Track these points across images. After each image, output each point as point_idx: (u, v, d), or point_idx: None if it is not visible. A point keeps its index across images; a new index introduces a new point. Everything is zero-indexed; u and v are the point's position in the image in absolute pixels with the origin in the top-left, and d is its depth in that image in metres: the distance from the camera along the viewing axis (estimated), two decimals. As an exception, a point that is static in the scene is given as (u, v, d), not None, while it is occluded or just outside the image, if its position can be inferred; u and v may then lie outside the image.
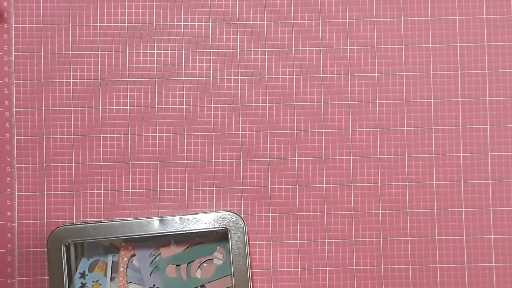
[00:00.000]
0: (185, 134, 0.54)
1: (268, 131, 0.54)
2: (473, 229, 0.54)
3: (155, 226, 0.50)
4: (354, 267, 0.54)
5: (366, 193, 0.54)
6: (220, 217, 0.51)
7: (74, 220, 0.53)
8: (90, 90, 0.54)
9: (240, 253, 0.50)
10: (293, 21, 0.55)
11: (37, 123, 0.54)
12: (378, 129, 0.54)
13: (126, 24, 0.54)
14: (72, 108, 0.54)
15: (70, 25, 0.54)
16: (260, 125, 0.54)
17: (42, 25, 0.54)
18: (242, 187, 0.54)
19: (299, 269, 0.54)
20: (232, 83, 0.54)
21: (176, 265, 0.53)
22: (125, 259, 0.53)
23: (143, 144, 0.54)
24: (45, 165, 0.53)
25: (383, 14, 0.55)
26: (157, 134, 0.54)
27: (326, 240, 0.54)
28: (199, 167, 0.54)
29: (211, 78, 0.54)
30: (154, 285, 0.52)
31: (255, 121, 0.54)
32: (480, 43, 0.55)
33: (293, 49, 0.55)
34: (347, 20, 0.55)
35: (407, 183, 0.54)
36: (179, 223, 0.50)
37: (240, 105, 0.54)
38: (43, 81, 0.54)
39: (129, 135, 0.54)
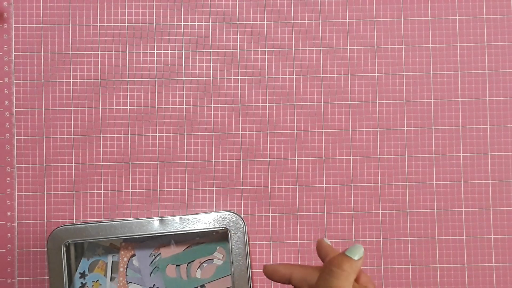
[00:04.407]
0: (185, 134, 0.54)
1: (268, 131, 0.54)
2: (473, 229, 0.54)
3: (155, 226, 0.50)
4: (354, 267, 0.54)
5: (366, 193, 0.54)
6: (220, 217, 0.51)
7: (74, 220, 0.53)
8: (90, 90, 0.54)
9: (240, 253, 0.50)
10: (293, 21, 0.55)
11: (37, 123, 0.54)
12: (378, 129, 0.54)
13: (126, 24, 0.54)
14: (72, 108, 0.54)
15: (70, 25, 0.54)
16: (260, 125, 0.54)
17: (42, 25, 0.54)
18: (242, 187, 0.54)
19: (299, 269, 0.54)
20: (232, 83, 0.54)
21: (176, 265, 0.53)
22: (125, 259, 0.53)
23: (143, 144, 0.54)
24: (45, 165, 0.53)
25: (383, 14, 0.55)
26: (157, 134, 0.54)
27: (326, 240, 0.54)
28: (199, 167, 0.54)
29: (211, 78, 0.54)
30: (154, 285, 0.52)
31: (255, 121, 0.54)
32: (480, 43, 0.55)
33: (293, 49, 0.55)
34: (347, 20, 0.55)
35: (407, 183, 0.54)
36: (179, 223, 0.50)
37: (240, 105, 0.54)
38: (43, 81, 0.54)
39: (129, 135, 0.54)
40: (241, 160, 0.54)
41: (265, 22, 0.55)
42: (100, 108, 0.54)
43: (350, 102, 0.54)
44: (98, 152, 0.54)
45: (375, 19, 0.55)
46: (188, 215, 0.51)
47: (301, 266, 0.35)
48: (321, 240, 0.36)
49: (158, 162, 0.54)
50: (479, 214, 0.54)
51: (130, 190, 0.54)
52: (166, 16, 0.54)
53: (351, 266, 0.33)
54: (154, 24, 0.54)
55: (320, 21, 0.55)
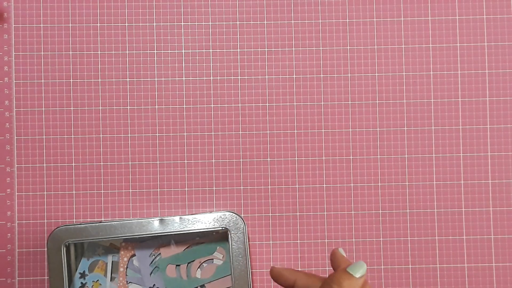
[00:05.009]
0: (185, 134, 0.54)
1: (268, 131, 0.54)
2: (473, 229, 0.54)
3: (155, 226, 0.50)
4: (354, 267, 0.54)
5: (366, 193, 0.54)
6: (220, 217, 0.51)
7: (74, 220, 0.53)
8: (90, 90, 0.54)
9: (240, 253, 0.50)
10: (293, 21, 0.55)
11: (37, 123, 0.54)
12: (378, 129, 0.54)
13: (126, 24, 0.54)
14: (72, 108, 0.54)
15: (70, 25, 0.54)
16: (260, 125, 0.54)
17: (42, 25, 0.54)
18: (242, 187, 0.54)
19: (299, 269, 0.54)
20: (232, 83, 0.54)
21: (176, 265, 0.53)
22: (125, 259, 0.53)
23: (143, 144, 0.54)
24: (45, 165, 0.53)
25: (383, 14, 0.55)
26: (157, 134, 0.54)
27: (326, 240, 0.54)
28: (199, 167, 0.54)
29: (211, 78, 0.54)
30: (154, 285, 0.52)
31: (255, 121, 0.54)
32: (480, 43, 0.55)
33: (293, 49, 0.55)
34: (347, 20, 0.55)
35: (407, 183, 0.54)
36: (179, 223, 0.51)
37: (240, 105, 0.54)
38: (43, 81, 0.54)
39: (129, 135, 0.54)
40: (241, 160, 0.54)
41: (265, 22, 0.55)
42: (100, 108, 0.54)
43: (350, 102, 0.54)
44: (98, 152, 0.54)
45: (375, 19, 0.55)
46: (188, 215, 0.51)
47: (306, 274, 0.35)
48: (336, 251, 0.36)
49: (158, 162, 0.54)
50: (479, 214, 0.54)
51: (130, 190, 0.54)
52: (166, 16, 0.54)
53: (351, 283, 0.32)
54: (154, 24, 0.54)
55: (320, 21, 0.55)
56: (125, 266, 0.52)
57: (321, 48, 0.54)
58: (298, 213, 0.54)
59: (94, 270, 0.53)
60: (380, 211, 0.54)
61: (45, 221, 0.53)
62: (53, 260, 0.50)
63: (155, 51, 0.54)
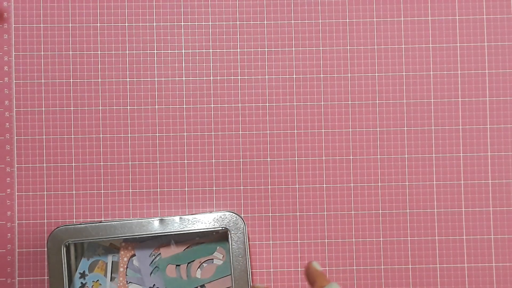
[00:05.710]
0: (185, 134, 0.54)
1: (268, 131, 0.54)
2: (473, 229, 0.54)
3: (155, 226, 0.50)
4: (354, 267, 0.54)
5: (366, 193, 0.54)
6: (220, 217, 0.51)
7: (74, 220, 0.53)
8: (90, 90, 0.54)
9: (240, 253, 0.50)
10: (293, 21, 0.55)
11: (37, 123, 0.54)
12: (378, 129, 0.54)
13: (126, 24, 0.54)
14: (72, 108, 0.54)
15: (70, 25, 0.54)
16: (260, 125, 0.54)
17: (42, 25, 0.54)
18: (242, 187, 0.54)
19: (299, 269, 0.54)
20: (232, 83, 0.54)
21: (176, 265, 0.53)
22: (125, 259, 0.53)
23: (143, 144, 0.54)
24: (45, 165, 0.53)
25: (383, 14, 0.55)
26: (157, 134, 0.54)
27: (326, 240, 0.54)
28: (199, 167, 0.54)
29: (211, 78, 0.54)
30: (154, 285, 0.52)
31: (255, 121, 0.54)
32: (480, 43, 0.55)
33: (293, 49, 0.55)
34: (347, 20, 0.55)
35: (407, 183, 0.54)
36: (179, 223, 0.50)
37: (240, 105, 0.54)
38: (43, 81, 0.54)
39: (129, 135, 0.54)
40: (241, 160, 0.54)
41: (265, 22, 0.55)
42: (100, 108, 0.54)
43: (350, 102, 0.54)
44: (98, 152, 0.54)
45: (375, 19, 0.55)
46: (188, 215, 0.51)
47: None
48: (310, 265, 0.36)
49: (158, 162, 0.54)
50: (479, 214, 0.54)
51: (130, 190, 0.54)
52: (166, 16, 0.54)
53: None
54: (154, 24, 0.54)
55: (320, 21, 0.55)
56: (125, 266, 0.52)
57: (321, 48, 0.54)
58: (298, 213, 0.54)
59: (94, 270, 0.53)
60: (380, 211, 0.54)
61: (45, 221, 0.53)
62: (53, 260, 0.50)
63: (155, 51, 0.54)
